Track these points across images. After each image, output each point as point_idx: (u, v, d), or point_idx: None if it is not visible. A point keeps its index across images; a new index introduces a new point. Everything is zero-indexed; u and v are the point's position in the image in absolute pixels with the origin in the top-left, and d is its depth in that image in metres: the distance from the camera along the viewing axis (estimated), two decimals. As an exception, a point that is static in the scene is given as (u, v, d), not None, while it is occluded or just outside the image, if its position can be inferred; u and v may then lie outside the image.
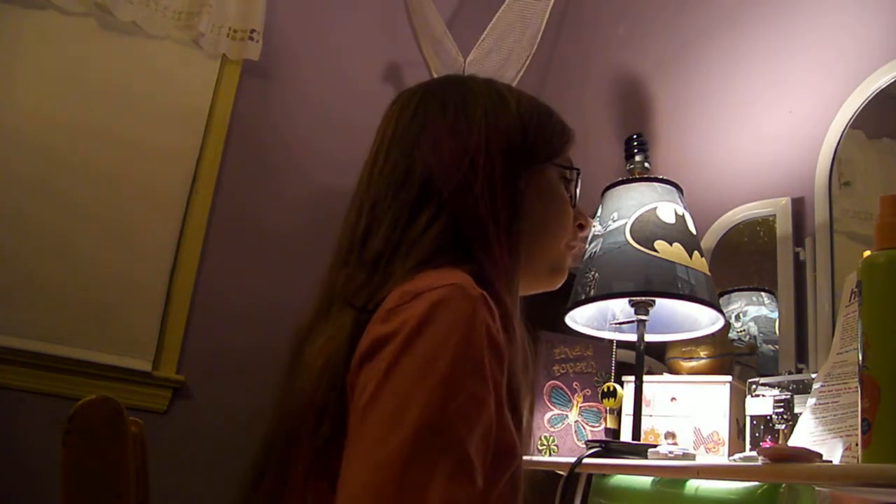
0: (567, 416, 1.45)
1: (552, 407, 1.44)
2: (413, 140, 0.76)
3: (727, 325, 1.41)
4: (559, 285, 0.85)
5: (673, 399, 1.33)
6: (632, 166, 1.67)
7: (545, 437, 1.42)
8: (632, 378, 1.33)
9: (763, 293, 1.52)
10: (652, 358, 1.50)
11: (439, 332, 0.58)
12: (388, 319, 0.61)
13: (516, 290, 0.75)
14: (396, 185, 0.74)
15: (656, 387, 1.36)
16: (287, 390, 0.70)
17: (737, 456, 1.06)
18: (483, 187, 0.73)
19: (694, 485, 1.08)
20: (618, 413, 1.41)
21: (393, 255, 0.70)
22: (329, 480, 0.60)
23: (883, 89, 1.36)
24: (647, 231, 1.32)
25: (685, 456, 1.08)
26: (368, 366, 0.59)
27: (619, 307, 1.40)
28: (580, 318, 1.44)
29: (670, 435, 1.26)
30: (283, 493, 0.64)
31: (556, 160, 0.82)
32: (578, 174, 0.84)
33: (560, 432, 1.43)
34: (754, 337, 1.50)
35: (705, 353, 1.45)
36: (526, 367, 0.74)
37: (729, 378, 1.29)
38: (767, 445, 1.10)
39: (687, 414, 1.30)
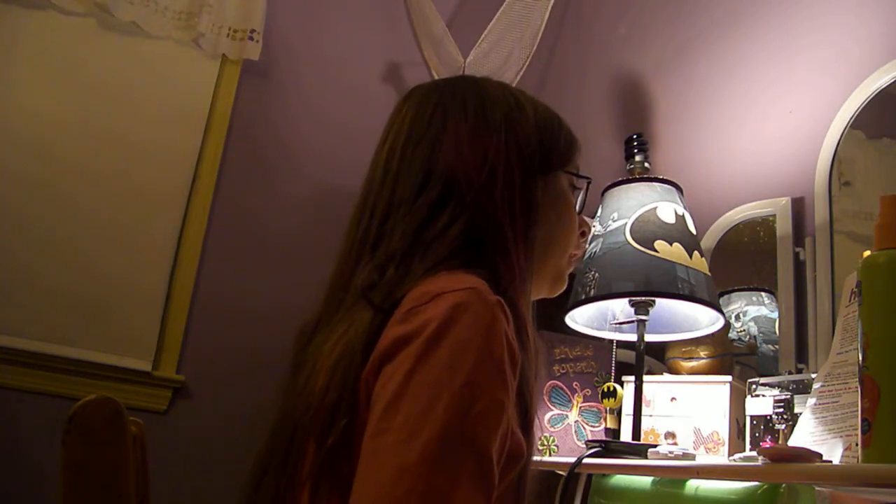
0: (567, 416, 1.45)
1: (552, 407, 1.44)
2: (433, 140, 0.76)
3: (727, 325, 1.41)
4: (558, 294, 0.86)
5: (673, 399, 1.33)
6: (632, 166, 1.67)
7: (545, 437, 1.42)
8: (632, 378, 1.33)
9: (763, 293, 1.52)
10: (652, 358, 1.50)
11: (462, 335, 0.58)
12: (407, 320, 0.61)
13: (529, 295, 0.75)
14: (417, 185, 0.73)
15: (656, 387, 1.36)
16: (292, 387, 0.69)
17: (737, 456, 1.06)
18: (503, 193, 0.73)
19: (694, 485, 1.08)
20: (618, 413, 1.41)
21: (410, 253, 0.70)
22: (335, 481, 0.60)
23: (883, 89, 1.36)
24: (647, 231, 1.32)
25: (685, 456, 1.08)
26: (388, 366, 0.59)
27: (619, 307, 1.40)
28: (580, 318, 1.44)
29: (670, 435, 1.26)
30: (287, 493, 0.64)
31: (567, 168, 0.82)
32: (589, 182, 0.84)
33: (560, 432, 1.43)
34: (754, 337, 1.50)
35: (705, 353, 1.45)
36: (538, 372, 0.74)
37: (729, 378, 1.29)
38: (767, 445, 1.10)
39: (687, 414, 1.30)
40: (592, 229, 1.43)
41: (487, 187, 0.72)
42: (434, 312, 0.59)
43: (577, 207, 0.84)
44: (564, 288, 0.86)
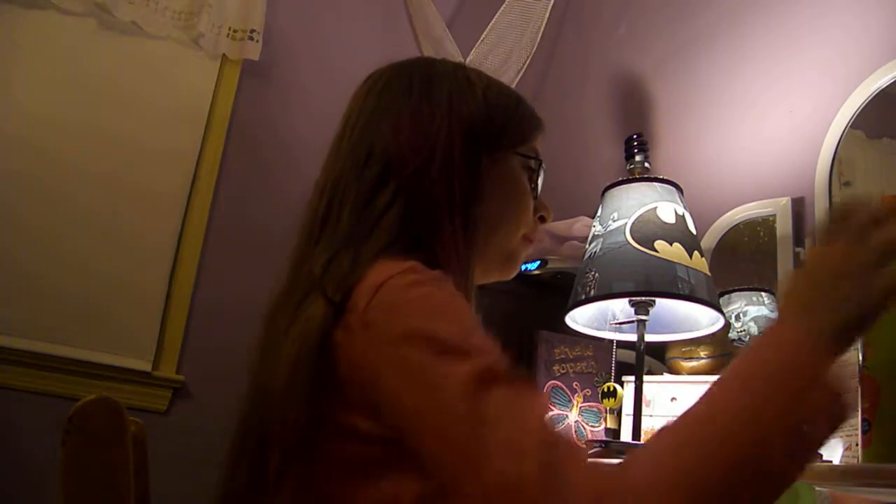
0: (567, 416, 1.45)
1: (552, 407, 1.44)
2: (376, 121, 0.76)
3: (727, 325, 1.41)
4: (511, 276, 0.84)
5: (673, 399, 1.33)
6: (632, 166, 1.67)
7: (545, 437, 1.42)
8: (632, 378, 1.33)
9: (763, 293, 1.52)
10: (652, 358, 1.50)
11: (415, 291, 0.61)
12: (369, 323, 0.61)
13: (471, 277, 0.75)
14: (358, 166, 0.74)
15: (656, 387, 1.36)
16: (258, 373, 0.71)
17: (737, 456, 1.06)
18: (440, 172, 0.72)
19: (694, 485, 1.07)
20: (618, 413, 1.41)
21: (355, 238, 0.70)
22: (313, 465, 0.62)
23: (883, 89, 1.36)
24: (648, 231, 1.32)
25: (685, 456, 1.08)
26: (386, 372, 0.59)
27: (619, 307, 1.40)
28: (580, 318, 1.43)
29: (670, 435, 1.26)
30: (259, 481, 0.64)
31: (521, 149, 0.80)
32: (541, 165, 0.82)
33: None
34: (754, 337, 1.49)
35: (705, 353, 1.45)
36: None
37: (729, 378, 1.29)
38: (767, 445, 1.10)
39: (687, 414, 1.29)
40: (592, 228, 1.43)
41: (425, 167, 0.72)
42: (384, 297, 0.61)
43: (537, 191, 0.82)
44: (517, 271, 0.84)
